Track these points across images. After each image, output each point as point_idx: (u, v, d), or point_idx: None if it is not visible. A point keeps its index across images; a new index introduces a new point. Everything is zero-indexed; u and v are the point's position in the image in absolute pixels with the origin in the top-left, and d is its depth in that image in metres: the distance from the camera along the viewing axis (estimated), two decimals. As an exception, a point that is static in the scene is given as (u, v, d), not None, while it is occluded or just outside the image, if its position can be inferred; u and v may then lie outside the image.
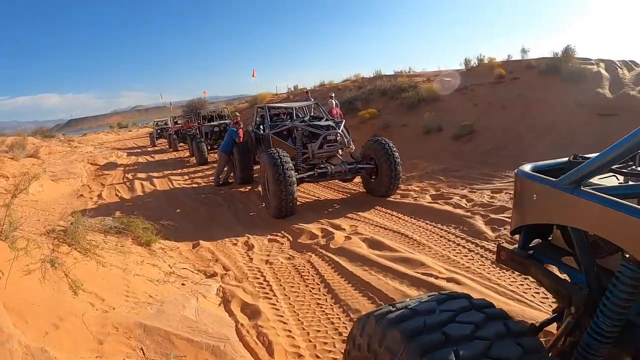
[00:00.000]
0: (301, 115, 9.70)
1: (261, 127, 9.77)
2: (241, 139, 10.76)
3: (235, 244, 5.85)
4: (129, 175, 13.95)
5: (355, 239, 5.48)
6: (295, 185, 6.67)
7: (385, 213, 6.81)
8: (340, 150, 7.97)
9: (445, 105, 14.21)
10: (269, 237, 6.11)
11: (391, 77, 20.25)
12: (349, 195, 8.26)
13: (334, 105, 12.51)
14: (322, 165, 7.59)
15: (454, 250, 5.08)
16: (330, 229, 6.01)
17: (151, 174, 13.90)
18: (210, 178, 11.56)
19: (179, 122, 24.25)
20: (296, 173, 6.90)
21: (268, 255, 5.34)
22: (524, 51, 16.75)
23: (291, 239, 5.92)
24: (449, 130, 12.36)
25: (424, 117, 13.53)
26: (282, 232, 6.26)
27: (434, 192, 7.62)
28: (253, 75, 16.58)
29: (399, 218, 6.48)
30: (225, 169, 10.50)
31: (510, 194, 6.97)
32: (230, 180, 10.54)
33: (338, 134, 7.66)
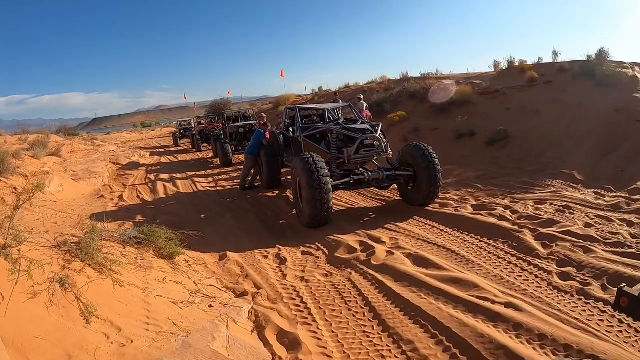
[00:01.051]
0: (333, 118, 9.15)
1: (291, 129, 9.25)
2: (268, 141, 10.31)
3: (266, 257, 5.33)
4: (152, 176, 13.63)
5: (398, 255, 4.91)
6: (331, 193, 6.15)
7: (426, 224, 6.24)
8: (375, 156, 7.40)
9: (477, 108, 13.63)
10: (302, 249, 5.58)
11: (418, 79, 19.65)
12: (384, 203, 7.69)
13: (364, 108, 11.91)
14: (358, 172, 7.03)
15: (506, 269, 4.54)
16: (369, 242, 5.45)
17: (174, 175, 13.55)
18: (236, 181, 11.11)
19: (202, 122, 23.97)
20: (331, 180, 6.36)
21: (303, 271, 4.80)
22: (555, 54, 16.33)
23: (327, 253, 5.36)
24: (482, 135, 11.78)
25: (455, 121, 12.96)
26: (317, 243, 5.71)
27: (475, 202, 7.05)
28: (281, 75, 16.07)
29: (441, 230, 5.91)
30: (252, 171, 10.04)
31: (555, 204, 6.53)
32: (256, 184, 10.08)
33: (376, 139, 7.09)
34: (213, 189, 10.66)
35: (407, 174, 7.08)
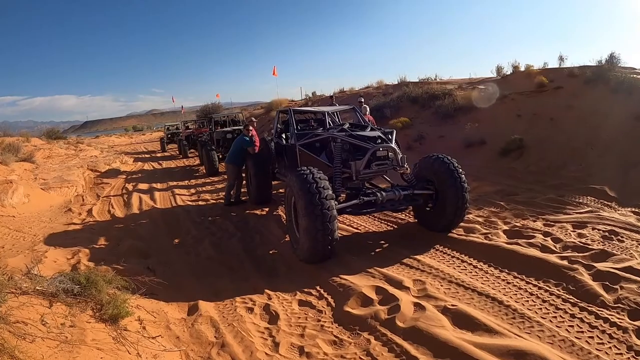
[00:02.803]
0: (334, 123, 7.78)
1: (283, 135, 7.96)
2: (257, 148, 9.04)
3: (251, 310, 3.99)
4: (130, 186, 12.37)
5: (430, 310, 3.61)
6: (337, 220, 4.81)
7: (453, 257, 4.98)
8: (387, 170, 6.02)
9: (485, 115, 12.65)
10: (299, 296, 4.24)
11: (417, 84, 18.74)
12: (396, 227, 6.39)
13: (367, 112, 10.48)
14: (369, 191, 5.68)
15: (572, 326, 3.35)
16: (388, 288, 4.11)
17: (154, 185, 12.30)
18: (220, 194, 9.78)
19: (190, 126, 22.76)
20: (335, 202, 4.97)
21: (302, 336, 3.47)
22: (561, 59, 15.78)
23: (333, 304, 4.02)
24: (493, 143, 10.75)
25: (463, 128, 12.04)
26: (318, 288, 4.38)
27: (505, 227, 5.81)
28: (274, 73, 14.69)
29: (475, 267, 4.65)
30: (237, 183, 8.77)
31: (598, 229, 5.42)
32: (243, 199, 8.77)
33: (390, 149, 5.73)
34: (194, 203, 9.34)
35: (427, 193, 5.79)
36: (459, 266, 4.72)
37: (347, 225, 6.58)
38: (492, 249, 5.02)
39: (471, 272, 4.52)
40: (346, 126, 6.51)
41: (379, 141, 5.69)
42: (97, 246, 6.36)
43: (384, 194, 5.51)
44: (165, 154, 24.49)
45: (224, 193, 9.02)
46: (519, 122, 11.39)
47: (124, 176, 15.01)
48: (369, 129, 6.30)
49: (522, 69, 16.24)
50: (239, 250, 5.88)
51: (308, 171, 4.91)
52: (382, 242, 5.76)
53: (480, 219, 6.29)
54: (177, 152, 22.97)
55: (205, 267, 5.31)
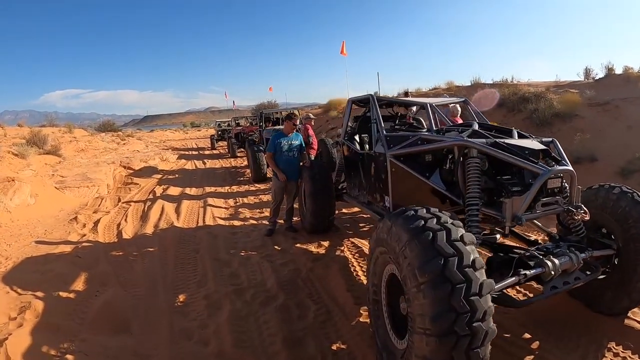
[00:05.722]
0: (441, 123, 4.61)
1: (356, 138, 5.41)
2: (314, 152, 6.59)
3: None
4: (160, 189, 10.30)
5: None
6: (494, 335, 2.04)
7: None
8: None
9: (586, 124, 9.97)
10: None
11: (492, 86, 16.11)
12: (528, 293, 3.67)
13: (458, 115, 7.57)
14: (527, 253, 2.83)
15: None
16: None
17: (187, 190, 10.14)
18: (265, 210, 7.26)
19: (240, 123, 20.75)
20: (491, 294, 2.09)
21: None
22: None
23: None
24: (606, 161, 8.18)
25: (564, 139, 9.34)
26: None
27: None
28: (342, 52, 12.16)
29: None
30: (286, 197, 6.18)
31: None
32: (294, 220, 6.26)
33: (570, 175, 2.88)
34: (227, 222, 6.87)
35: (608, 254, 3.08)
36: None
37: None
38: None
39: None
40: (475, 127, 3.59)
41: (550, 160, 2.98)
42: (65, 295, 4.10)
43: (557, 262, 2.70)
44: (214, 151, 22.88)
45: (269, 210, 6.37)
46: (632, 135, 8.91)
47: (159, 176, 13.02)
48: (516, 134, 3.43)
49: (618, 71, 14.24)
50: (276, 338, 3.19)
51: (434, 221, 2.18)
52: (524, 333, 3.05)
53: None
54: (226, 150, 21.11)
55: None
